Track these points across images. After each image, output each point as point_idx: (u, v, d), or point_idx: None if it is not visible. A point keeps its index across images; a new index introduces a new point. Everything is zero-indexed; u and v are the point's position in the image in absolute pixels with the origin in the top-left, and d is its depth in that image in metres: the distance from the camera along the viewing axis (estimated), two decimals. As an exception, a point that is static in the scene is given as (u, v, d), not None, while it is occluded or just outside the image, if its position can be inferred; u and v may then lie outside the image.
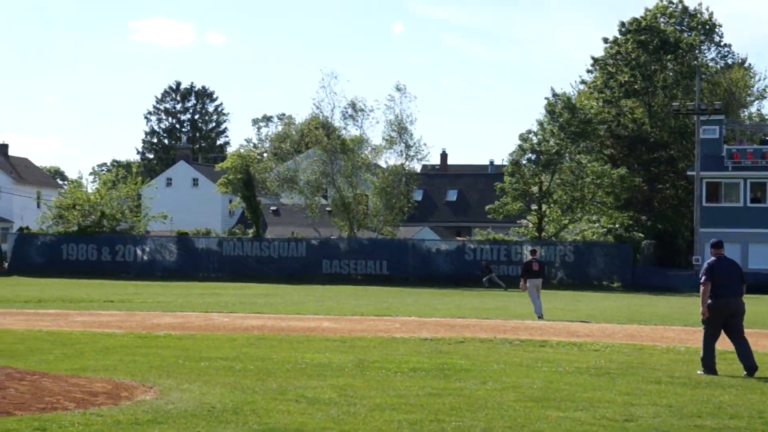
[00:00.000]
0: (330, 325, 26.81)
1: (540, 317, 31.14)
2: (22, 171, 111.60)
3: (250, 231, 70.17)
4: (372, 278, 63.61)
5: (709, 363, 17.42)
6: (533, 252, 35.54)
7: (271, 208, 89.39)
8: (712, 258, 17.80)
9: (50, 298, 38.54)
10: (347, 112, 72.27)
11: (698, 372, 17.37)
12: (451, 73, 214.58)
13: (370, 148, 72.56)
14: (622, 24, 78.44)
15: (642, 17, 78.64)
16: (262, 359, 17.83)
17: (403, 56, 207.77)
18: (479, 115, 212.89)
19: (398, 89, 70.94)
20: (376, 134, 76.56)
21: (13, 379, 13.42)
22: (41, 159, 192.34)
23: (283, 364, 17.19)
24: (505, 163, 77.15)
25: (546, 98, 70.50)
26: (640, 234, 67.42)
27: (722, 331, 17.71)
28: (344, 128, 73.02)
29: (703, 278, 17.51)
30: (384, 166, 73.36)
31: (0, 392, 12.54)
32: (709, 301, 17.47)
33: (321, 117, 74.00)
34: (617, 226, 68.32)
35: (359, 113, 71.99)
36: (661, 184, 76.86)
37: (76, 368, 16.02)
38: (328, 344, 20.98)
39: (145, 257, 67.88)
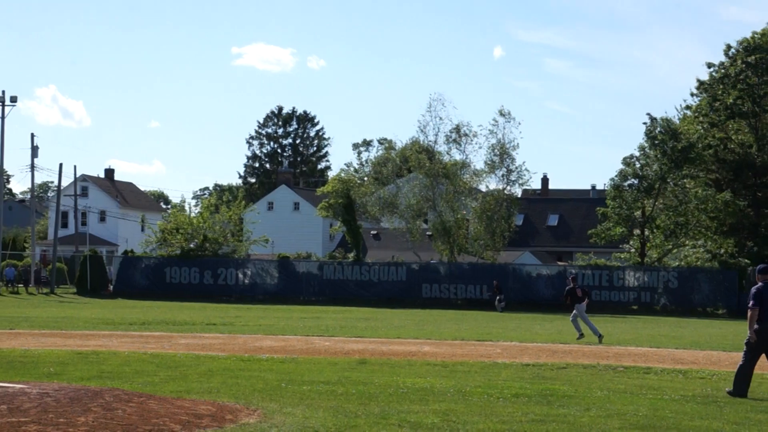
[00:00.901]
0: (431, 349, 26.74)
1: (600, 336, 31.68)
2: (128, 195, 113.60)
3: (351, 255, 70.41)
4: (472, 303, 63.39)
5: (741, 387, 17.46)
6: (573, 279, 35.26)
7: (372, 232, 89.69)
8: (759, 284, 17.71)
9: (154, 321, 39.06)
10: (451, 137, 72.30)
11: (726, 390, 17.58)
12: (552, 98, 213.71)
13: (471, 173, 72.46)
14: (728, 47, 77.17)
15: (751, 38, 77.23)
16: (364, 383, 17.82)
17: (503, 80, 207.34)
18: (581, 140, 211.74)
19: (502, 114, 70.85)
20: (478, 159, 76.30)
21: (120, 401, 13.58)
22: (145, 183, 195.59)
23: (384, 388, 17.16)
24: (607, 187, 76.37)
25: (644, 123, 69.71)
26: (746, 260, 66.17)
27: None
28: (447, 153, 73.04)
29: (751, 303, 17.49)
30: (484, 190, 73.18)
31: (108, 413, 12.71)
32: (756, 326, 17.42)
33: (424, 141, 74.09)
34: (722, 251, 67.16)
35: (463, 138, 71.99)
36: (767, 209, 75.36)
37: (181, 390, 16.17)
38: (429, 369, 20.91)
39: (247, 281, 68.46)
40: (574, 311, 32.72)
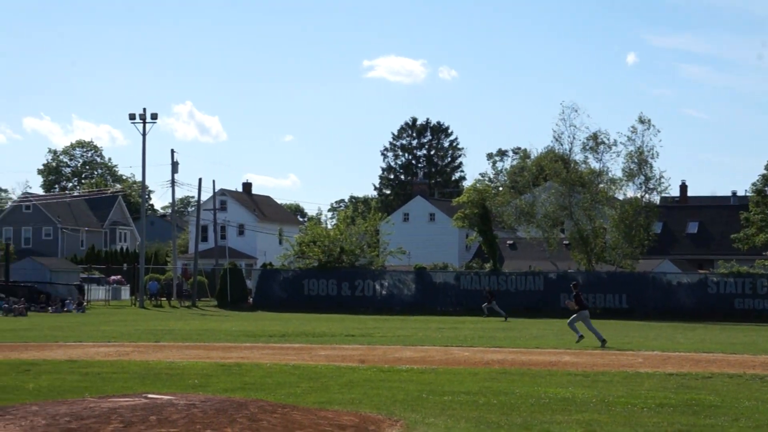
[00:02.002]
0: (571, 359, 26.49)
1: (604, 341, 32.26)
2: (265, 209, 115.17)
3: (487, 265, 70.15)
4: (611, 312, 62.53)
5: None
6: (576, 285, 35.35)
7: (508, 241, 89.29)
8: None
9: (294, 333, 39.48)
10: (588, 145, 71.56)
11: None
12: (688, 104, 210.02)
13: (608, 181, 71.60)
14: None
15: None
16: (505, 393, 17.74)
17: (637, 87, 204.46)
18: (719, 146, 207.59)
19: (641, 121, 69.80)
20: (615, 167, 75.34)
21: (265, 412, 13.76)
22: (281, 197, 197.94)
23: (526, 398, 17.06)
24: (748, 194, 74.79)
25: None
26: None
27: None
28: (584, 161, 72.30)
29: None
30: (622, 198, 72.22)
31: (254, 424, 12.88)
32: None
33: (560, 150, 73.48)
34: None
35: (600, 146, 71.19)
36: None
37: (323, 401, 16.31)
38: (570, 378, 20.72)
39: (384, 292, 68.69)
40: (575, 315, 33.55)
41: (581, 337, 33.06)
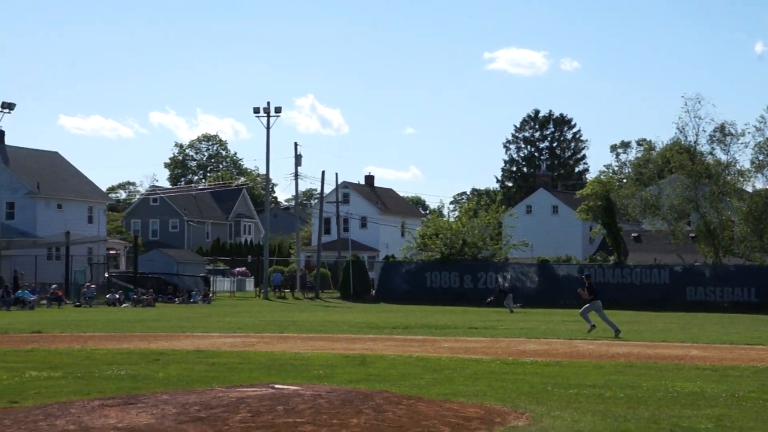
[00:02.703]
0: (698, 353, 26.03)
1: (618, 331, 32.88)
2: (387, 201, 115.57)
3: (611, 258, 69.40)
4: (739, 306, 61.38)
5: None
6: (588, 277, 36.69)
7: (632, 234, 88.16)
8: None
9: (416, 324, 39.55)
10: (715, 136, 70.25)
11: None
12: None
13: (735, 172, 70.21)
14: None
15: None
16: (632, 387, 17.52)
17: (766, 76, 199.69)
18: None
19: (770, 111, 68.37)
20: (744, 158, 73.79)
21: (390, 403, 13.79)
22: (403, 189, 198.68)
23: (653, 392, 16.83)
24: None
25: None
26: None
27: None
28: (711, 153, 71.03)
29: None
30: (750, 190, 70.78)
31: (380, 415, 12.92)
32: None
33: (685, 141, 72.26)
34: None
35: (728, 137, 69.83)
36: None
37: (447, 393, 16.29)
38: (698, 373, 20.37)
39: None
40: (587, 305, 34.31)
41: (593, 326, 33.70)
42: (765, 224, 67.40)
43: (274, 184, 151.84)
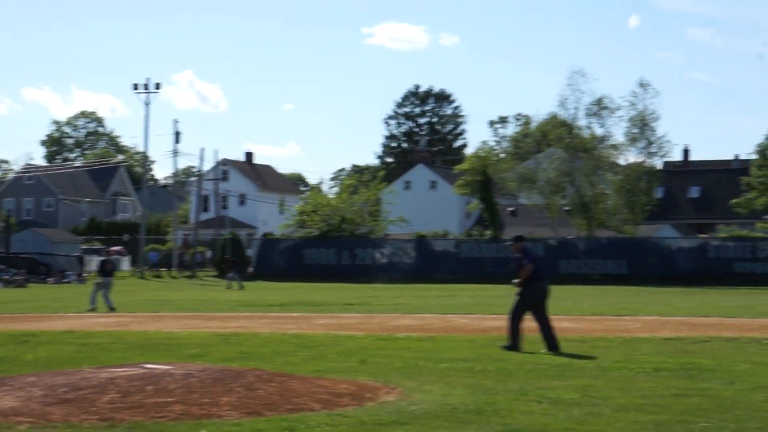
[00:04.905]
0: (569, 325, 26.51)
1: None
2: (267, 178, 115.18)
3: (488, 232, 70.18)
4: (611, 278, 62.60)
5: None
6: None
7: (508, 208, 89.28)
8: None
9: (293, 302, 39.56)
10: (592, 110, 71.29)
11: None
12: (694, 67, 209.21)
13: (610, 146, 71.49)
14: None
15: None
16: (502, 360, 17.80)
17: (642, 51, 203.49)
18: (724, 110, 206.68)
19: (642, 85, 69.68)
20: (618, 132, 75.32)
21: (262, 381, 13.80)
22: (282, 166, 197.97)
23: (522, 364, 17.11)
24: (751, 156, 74.61)
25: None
26: None
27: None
28: (588, 126, 72.11)
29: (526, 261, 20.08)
30: (623, 164, 72.18)
31: (250, 393, 12.93)
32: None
33: (564, 115, 73.14)
34: None
35: (604, 111, 70.97)
36: None
37: (320, 370, 16.35)
38: (568, 344, 20.72)
39: (384, 260, 68.72)
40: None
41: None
42: (636, 197, 68.83)
43: (152, 162, 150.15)
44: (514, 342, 19.61)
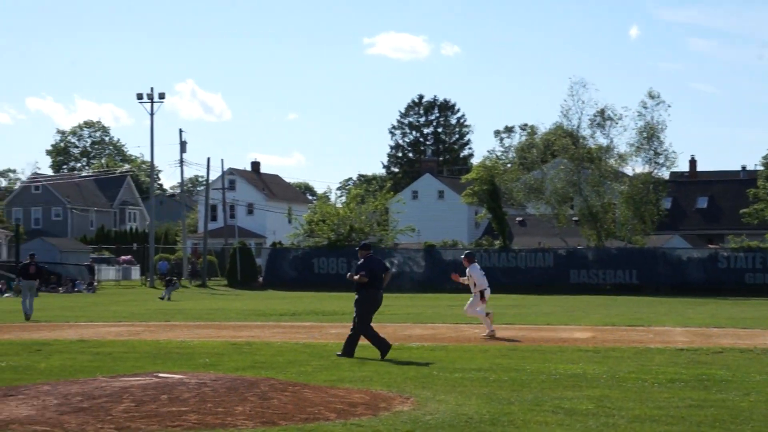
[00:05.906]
0: (581, 335, 26.48)
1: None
2: (274, 188, 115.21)
3: (497, 242, 70.09)
4: (621, 288, 62.55)
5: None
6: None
7: (517, 218, 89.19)
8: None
9: (304, 311, 39.56)
10: (595, 120, 71.27)
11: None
12: (697, 78, 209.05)
13: (616, 156, 71.41)
14: None
15: None
16: (516, 370, 17.75)
17: (643, 62, 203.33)
18: (729, 120, 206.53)
19: (651, 96, 69.54)
20: (621, 142, 75.13)
21: (276, 390, 13.78)
22: (289, 175, 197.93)
23: (537, 375, 17.07)
24: (758, 167, 74.46)
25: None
26: None
27: None
28: (591, 137, 72.08)
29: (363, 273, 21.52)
30: (631, 174, 72.06)
31: (264, 402, 12.91)
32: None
33: (568, 126, 73.17)
34: None
35: (608, 121, 70.92)
36: None
37: (334, 379, 16.33)
38: (581, 355, 20.72)
39: (394, 270, 68.48)
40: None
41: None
42: (645, 207, 68.73)
43: (159, 171, 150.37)
44: (382, 345, 20.46)
